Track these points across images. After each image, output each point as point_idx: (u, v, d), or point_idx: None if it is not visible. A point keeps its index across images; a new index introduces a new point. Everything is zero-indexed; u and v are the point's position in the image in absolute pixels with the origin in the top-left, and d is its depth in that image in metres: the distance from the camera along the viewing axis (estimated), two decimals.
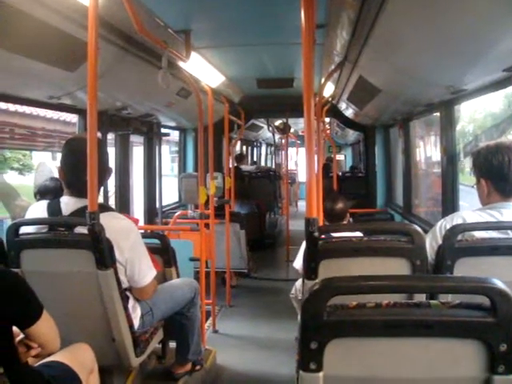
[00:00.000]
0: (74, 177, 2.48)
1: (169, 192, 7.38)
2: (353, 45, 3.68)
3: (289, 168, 11.81)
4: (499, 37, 2.24)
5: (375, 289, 1.40)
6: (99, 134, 4.38)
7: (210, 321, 4.79)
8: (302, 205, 14.18)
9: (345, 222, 3.72)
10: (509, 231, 2.18)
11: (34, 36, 2.58)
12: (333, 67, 4.59)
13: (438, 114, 4.44)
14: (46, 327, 1.89)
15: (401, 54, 3.11)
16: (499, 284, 1.33)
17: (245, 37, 4.06)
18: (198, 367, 3.40)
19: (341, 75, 5.09)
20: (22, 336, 1.88)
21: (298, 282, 3.62)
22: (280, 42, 4.17)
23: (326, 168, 8.84)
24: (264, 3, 3.20)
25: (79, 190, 2.45)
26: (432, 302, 1.40)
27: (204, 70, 4.81)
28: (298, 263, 3.36)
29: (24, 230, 2.51)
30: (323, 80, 4.82)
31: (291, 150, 16.11)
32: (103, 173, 2.54)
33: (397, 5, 2.37)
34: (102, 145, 2.51)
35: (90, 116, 2.29)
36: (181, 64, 3.98)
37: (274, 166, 17.05)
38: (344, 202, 3.70)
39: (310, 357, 1.39)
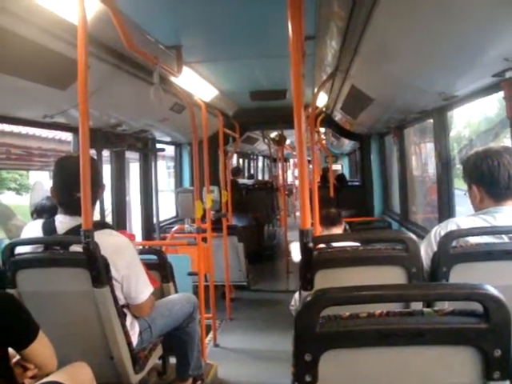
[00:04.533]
0: (65, 195, 2.48)
1: (166, 207, 7.38)
2: (343, 55, 3.70)
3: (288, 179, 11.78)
4: (488, 43, 2.26)
5: (367, 299, 1.40)
6: (93, 151, 4.39)
7: (210, 335, 4.78)
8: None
9: (340, 228, 3.73)
10: (503, 236, 2.17)
11: (24, 56, 2.58)
12: (325, 77, 4.61)
13: (431, 120, 4.46)
14: (42, 347, 1.89)
15: (391, 62, 3.13)
16: (492, 290, 1.32)
17: (236, 50, 4.08)
18: (199, 382, 3.37)
19: (333, 85, 5.12)
20: (18, 357, 1.88)
21: (297, 294, 3.61)
22: (271, 55, 4.19)
23: (325, 177, 8.86)
24: (253, 17, 3.22)
25: (72, 208, 2.45)
26: (425, 309, 1.40)
27: (197, 84, 4.83)
28: (297, 257, 3.30)
29: (19, 249, 2.50)
30: (316, 90, 4.84)
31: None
32: (96, 190, 2.54)
33: (385, 14, 2.39)
34: (93, 162, 2.52)
35: (82, 134, 2.29)
36: (173, 79, 4.00)
37: (270, 178, 17.02)
38: (336, 207, 3.75)
39: (304, 369, 1.38)
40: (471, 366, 1.35)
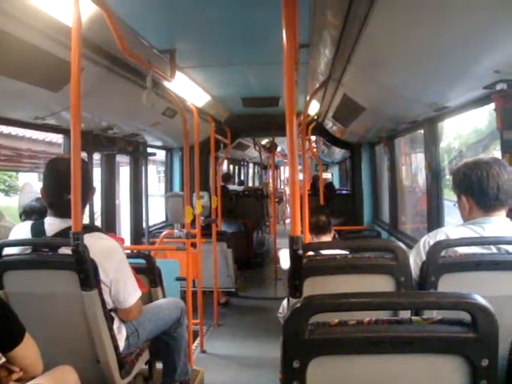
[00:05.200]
0: (56, 197, 2.47)
1: (156, 212, 7.36)
2: (336, 64, 3.71)
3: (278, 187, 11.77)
4: (479, 55, 2.28)
5: (355, 306, 1.40)
6: (84, 154, 4.37)
7: (197, 341, 4.76)
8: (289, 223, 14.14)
9: (330, 236, 3.74)
10: (491, 246, 2.19)
11: (17, 56, 2.57)
12: (317, 86, 4.62)
13: (422, 131, 4.48)
14: (28, 350, 1.87)
15: (384, 72, 3.15)
16: (480, 299, 1.33)
17: (229, 56, 4.09)
18: None
19: (325, 94, 5.13)
20: (3, 360, 1.86)
21: (285, 301, 3.61)
22: (264, 62, 4.19)
23: (316, 185, 8.87)
24: (248, 23, 3.23)
25: (62, 211, 2.44)
26: (414, 318, 1.40)
27: (189, 89, 4.82)
28: (286, 264, 3.31)
29: (7, 251, 2.48)
30: (308, 98, 4.85)
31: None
32: (86, 192, 2.52)
33: (378, 24, 2.40)
34: (84, 164, 2.51)
35: (74, 136, 2.28)
36: (166, 84, 4.00)
37: (260, 185, 17.00)
38: (326, 215, 3.73)
39: (292, 376, 1.38)
40: (459, 374, 1.35)
